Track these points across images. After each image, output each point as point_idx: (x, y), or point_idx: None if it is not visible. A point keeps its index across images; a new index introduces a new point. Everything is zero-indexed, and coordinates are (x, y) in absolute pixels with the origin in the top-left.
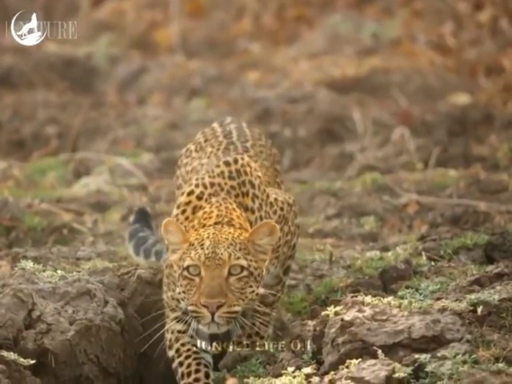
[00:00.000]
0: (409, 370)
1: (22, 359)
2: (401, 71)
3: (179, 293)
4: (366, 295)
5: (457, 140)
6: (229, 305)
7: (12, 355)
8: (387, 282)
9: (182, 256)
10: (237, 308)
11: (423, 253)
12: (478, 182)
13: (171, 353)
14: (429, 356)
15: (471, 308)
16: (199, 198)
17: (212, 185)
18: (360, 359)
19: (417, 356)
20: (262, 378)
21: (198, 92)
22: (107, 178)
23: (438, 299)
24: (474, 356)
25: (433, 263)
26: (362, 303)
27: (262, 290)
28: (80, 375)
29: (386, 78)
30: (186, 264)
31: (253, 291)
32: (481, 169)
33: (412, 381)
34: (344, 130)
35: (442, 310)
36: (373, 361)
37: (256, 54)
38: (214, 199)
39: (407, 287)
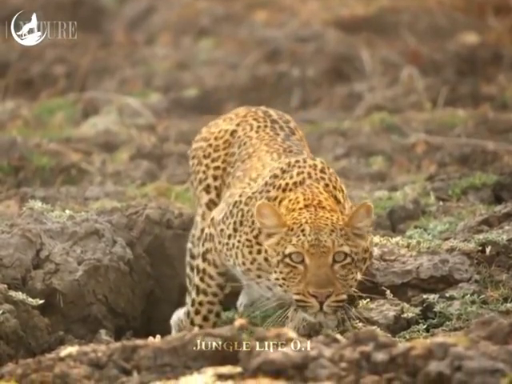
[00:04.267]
0: (417, 310)
1: (30, 299)
2: (409, 11)
3: (277, 279)
4: (375, 235)
5: (465, 79)
6: (336, 293)
7: (20, 295)
8: (395, 221)
9: (279, 241)
10: (344, 296)
11: (431, 192)
12: (487, 122)
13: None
14: (437, 296)
15: (480, 248)
16: (284, 190)
17: (299, 173)
18: (368, 299)
19: (425, 296)
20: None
21: (206, 31)
22: (115, 117)
23: (447, 239)
24: (483, 296)
25: (441, 203)
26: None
27: (359, 276)
28: (88, 315)
29: (394, 18)
30: (288, 251)
31: (353, 277)
32: (489, 108)
33: (420, 321)
34: (352, 69)
35: (451, 250)
36: (381, 301)
37: None
38: (299, 187)
39: (415, 227)
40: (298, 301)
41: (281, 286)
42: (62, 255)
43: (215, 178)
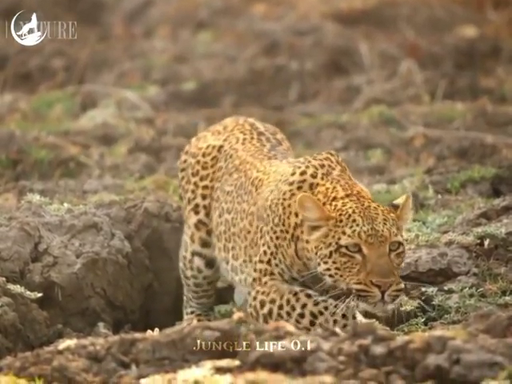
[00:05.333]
0: (416, 303)
1: (28, 292)
2: (408, 3)
3: (328, 269)
4: None
5: (464, 72)
6: (397, 282)
7: (18, 288)
8: None
9: (328, 233)
10: (402, 285)
11: (430, 186)
12: (485, 115)
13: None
14: (436, 289)
15: (478, 241)
16: (313, 176)
17: (322, 166)
18: None
19: (424, 289)
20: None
21: (204, 24)
22: (114, 110)
23: (445, 232)
24: (481, 289)
25: (440, 196)
26: None
27: (402, 265)
28: (86, 308)
29: (393, 11)
30: (343, 242)
31: (402, 266)
32: (488, 101)
33: (419, 314)
34: (351, 62)
35: (449, 243)
36: None
37: None
38: (329, 177)
39: (414, 220)
40: (358, 290)
41: (332, 276)
42: (61, 248)
43: (204, 197)
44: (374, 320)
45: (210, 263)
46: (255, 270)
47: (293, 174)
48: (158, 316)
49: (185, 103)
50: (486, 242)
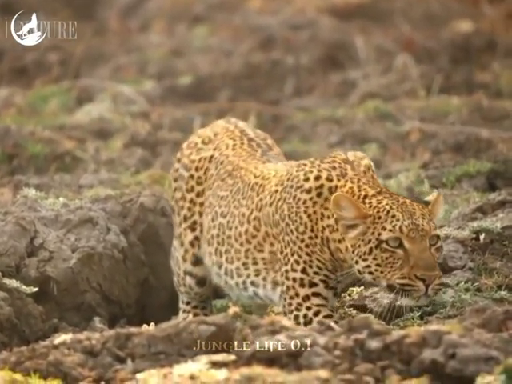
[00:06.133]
0: None
1: (24, 287)
2: None
3: (368, 266)
4: None
5: (460, 67)
6: (439, 276)
7: (14, 283)
8: None
9: (366, 231)
10: (443, 279)
11: (426, 180)
12: (481, 109)
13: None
14: None
15: (474, 236)
16: (329, 179)
17: (334, 168)
18: (362, 287)
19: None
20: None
21: (200, 19)
22: (109, 105)
23: (441, 227)
24: (477, 284)
25: (435, 191)
26: None
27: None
28: (82, 303)
29: (389, 5)
30: (384, 237)
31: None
32: (483, 96)
33: (414, 308)
34: (347, 57)
35: (445, 237)
36: (375, 289)
37: None
38: (346, 177)
39: None
40: (403, 285)
41: (371, 273)
42: (56, 243)
43: (201, 214)
44: (369, 314)
45: (201, 282)
46: (287, 279)
47: (306, 179)
48: (153, 310)
49: (181, 97)
50: (482, 237)
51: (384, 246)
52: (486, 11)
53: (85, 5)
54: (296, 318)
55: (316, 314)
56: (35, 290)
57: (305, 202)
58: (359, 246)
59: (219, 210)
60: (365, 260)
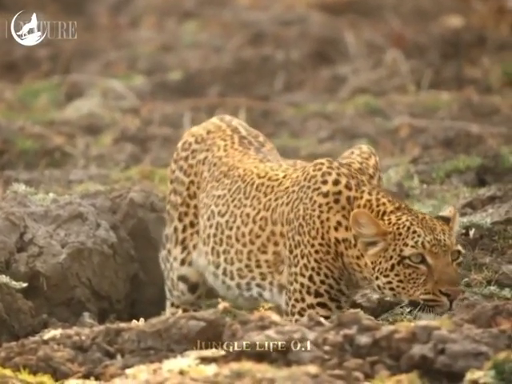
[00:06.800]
0: None
1: (13, 282)
2: None
3: (389, 282)
4: None
5: (449, 62)
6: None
7: (4, 278)
8: None
9: (387, 247)
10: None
11: (415, 175)
12: (471, 105)
13: None
14: None
15: (463, 231)
16: (348, 188)
17: (352, 176)
18: None
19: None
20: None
21: (190, 14)
22: (99, 100)
23: None
24: (466, 279)
25: (425, 186)
26: None
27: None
28: (72, 298)
29: (379, 0)
30: (407, 253)
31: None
32: (473, 91)
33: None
34: (336, 52)
35: None
36: None
37: None
38: (364, 188)
39: None
40: (427, 300)
41: (393, 289)
42: (46, 238)
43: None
44: (359, 310)
45: (193, 288)
46: (296, 281)
47: (324, 182)
48: (143, 306)
49: (171, 93)
50: (472, 232)
51: (407, 262)
52: (476, 6)
53: (74, 0)
54: (297, 322)
55: None
56: (25, 285)
57: (320, 205)
58: (380, 262)
59: (216, 209)
60: (386, 276)
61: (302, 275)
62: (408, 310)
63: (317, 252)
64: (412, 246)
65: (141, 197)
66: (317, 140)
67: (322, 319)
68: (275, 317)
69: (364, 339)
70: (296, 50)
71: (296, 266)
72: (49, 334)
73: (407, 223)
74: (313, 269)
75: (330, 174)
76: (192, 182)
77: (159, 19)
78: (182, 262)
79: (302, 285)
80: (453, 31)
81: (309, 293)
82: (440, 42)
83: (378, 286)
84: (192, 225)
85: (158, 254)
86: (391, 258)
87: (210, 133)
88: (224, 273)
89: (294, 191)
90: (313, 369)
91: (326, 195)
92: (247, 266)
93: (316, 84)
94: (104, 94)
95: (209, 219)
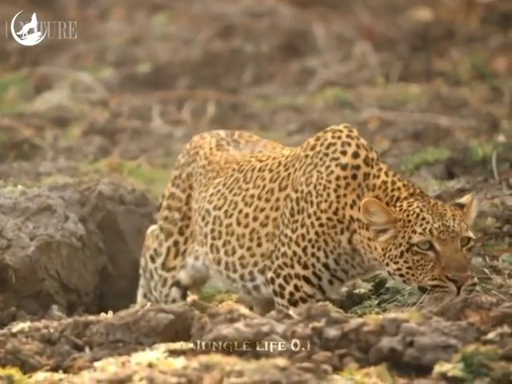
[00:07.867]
0: (369, 285)
1: None
2: None
3: (399, 269)
4: None
5: (419, 55)
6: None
7: None
8: None
9: (397, 234)
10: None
11: None
12: (440, 97)
13: (285, 303)
14: None
15: None
16: (367, 163)
17: (368, 149)
18: None
19: (377, 272)
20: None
21: (160, 7)
22: (68, 93)
23: None
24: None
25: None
26: None
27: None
28: (40, 291)
29: None
30: (415, 240)
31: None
32: (442, 84)
33: (372, 296)
34: (306, 45)
35: None
36: None
37: None
38: (382, 166)
39: None
40: (434, 286)
41: (402, 275)
42: (14, 231)
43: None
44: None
45: (185, 295)
46: (289, 247)
47: (343, 152)
48: (111, 299)
49: (140, 85)
50: None
51: (415, 249)
52: (445, 0)
53: None
54: (280, 286)
55: (303, 300)
56: None
57: (338, 178)
58: (390, 249)
59: (211, 206)
60: (396, 263)
61: (297, 244)
62: (376, 302)
63: (321, 225)
64: (420, 233)
65: (109, 189)
66: (286, 133)
67: (290, 312)
68: (244, 310)
69: (333, 332)
70: (265, 43)
71: (293, 232)
72: (17, 326)
73: (417, 209)
74: (310, 240)
75: (349, 144)
76: (189, 196)
77: (128, 11)
78: (180, 269)
79: (294, 253)
80: (422, 24)
81: (299, 262)
82: (409, 35)
83: (389, 272)
84: (192, 235)
85: (140, 261)
86: (400, 245)
87: (193, 143)
88: (226, 267)
89: (307, 155)
90: (281, 361)
91: (344, 168)
92: (249, 248)
93: (285, 77)
94: (73, 87)
95: (204, 218)
